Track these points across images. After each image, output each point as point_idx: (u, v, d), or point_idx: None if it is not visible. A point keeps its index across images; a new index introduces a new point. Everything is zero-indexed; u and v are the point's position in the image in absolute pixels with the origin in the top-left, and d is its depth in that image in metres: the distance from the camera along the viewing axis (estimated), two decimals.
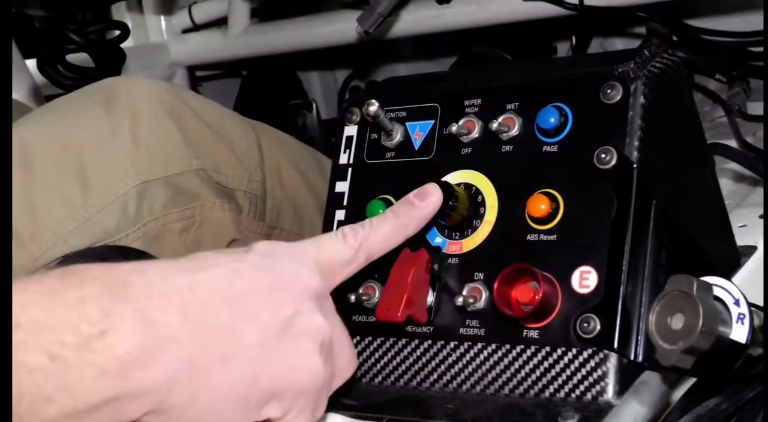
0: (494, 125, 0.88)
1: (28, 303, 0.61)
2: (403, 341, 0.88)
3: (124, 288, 0.64)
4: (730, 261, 0.96)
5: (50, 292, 0.62)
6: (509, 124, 0.88)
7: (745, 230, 1.05)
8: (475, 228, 0.87)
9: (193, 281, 0.67)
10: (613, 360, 0.79)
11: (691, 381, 0.80)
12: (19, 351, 0.59)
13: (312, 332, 0.73)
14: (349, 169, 0.96)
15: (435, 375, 0.86)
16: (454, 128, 0.90)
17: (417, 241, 0.88)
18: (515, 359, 0.82)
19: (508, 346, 0.83)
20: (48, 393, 0.60)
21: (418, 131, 0.93)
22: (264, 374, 0.70)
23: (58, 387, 0.60)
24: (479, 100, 0.91)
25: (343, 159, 0.97)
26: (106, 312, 0.62)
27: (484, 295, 0.84)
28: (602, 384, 0.78)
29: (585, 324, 0.79)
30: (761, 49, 1.46)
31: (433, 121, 0.93)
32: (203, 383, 0.67)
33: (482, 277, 0.85)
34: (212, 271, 0.69)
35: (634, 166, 0.82)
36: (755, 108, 1.46)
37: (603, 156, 0.82)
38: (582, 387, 0.79)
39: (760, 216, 1.09)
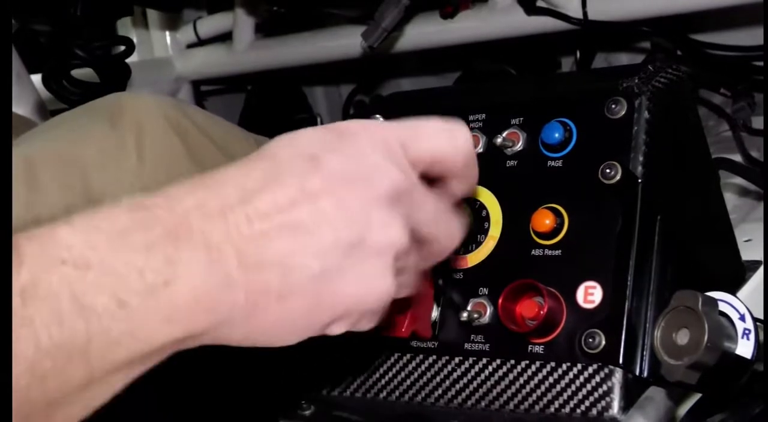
0: (498, 140, 0.88)
1: (98, 242, 0.60)
2: (408, 356, 0.88)
3: (186, 231, 0.63)
4: (735, 276, 0.95)
5: (120, 233, 0.61)
6: (513, 139, 0.88)
7: (750, 245, 1.05)
8: (479, 243, 0.87)
9: (252, 211, 0.64)
10: (618, 375, 0.78)
11: (697, 396, 0.80)
12: (89, 293, 0.59)
13: (384, 246, 0.68)
14: None
15: (440, 391, 0.86)
16: None
17: None
18: (520, 374, 0.82)
19: (512, 361, 0.83)
20: (115, 337, 0.59)
21: None
22: (325, 303, 0.67)
23: (125, 331, 0.60)
24: (483, 115, 0.91)
25: None
26: (170, 260, 0.61)
27: (489, 310, 0.84)
28: (607, 399, 0.78)
29: (590, 340, 0.79)
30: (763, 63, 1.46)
31: None
32: (261, 318, 0.65)
33: (487, 292, 0.85)
34: (273, 193, 0.65)
35: (639, 181, 0.82)
36: (760, 122, 1.45)
37: (607, 171, 0.82)
38: (587, 403, 0.79)
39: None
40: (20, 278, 0.57)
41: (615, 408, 0.78)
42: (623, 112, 0.84)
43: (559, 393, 0.80)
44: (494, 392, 0.83)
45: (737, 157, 1.33)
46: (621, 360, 0.78)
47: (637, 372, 0.78)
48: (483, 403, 0.83)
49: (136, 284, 0.60)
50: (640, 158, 0.83)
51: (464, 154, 0.74)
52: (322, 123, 1.92)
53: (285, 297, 0.65)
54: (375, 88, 2.00)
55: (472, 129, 0.91)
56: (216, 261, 0.63)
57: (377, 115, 0.91)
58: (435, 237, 0.72)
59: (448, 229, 0.73)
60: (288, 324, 0.67)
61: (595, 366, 0.79)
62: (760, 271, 0.97)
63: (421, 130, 0.72)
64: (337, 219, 0.66)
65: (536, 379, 0.81)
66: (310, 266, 0.65)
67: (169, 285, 0.61)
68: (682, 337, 0.72)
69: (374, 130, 0.70)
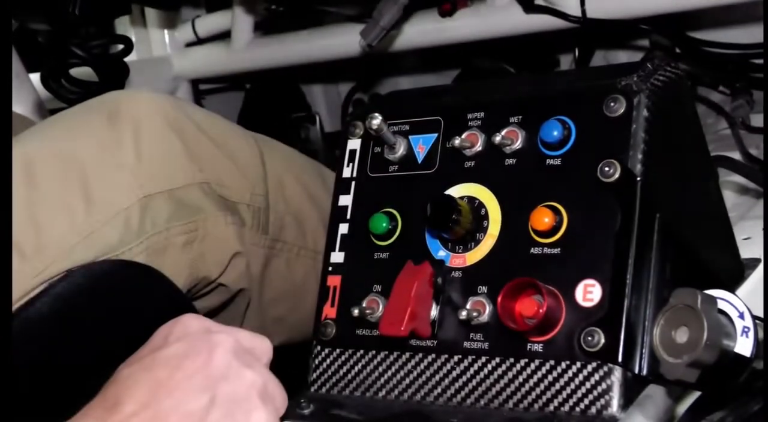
0: (497, 138, 0.88)
1: None
2: (407, 355, 0.88)
3: None
4: (734, 274, 0.95)
5: None
6: (512, 138, 0.88)
7: (750, 243, 1.05)
8: (478, 242, 0.87)
9: (122, 418, 0.75)
10: (617, 373, 0.78)
11: (696, 394, 0.80)
12: None
13: (246, 390, 0.79)
14: (353, 183, 0.96)
15: (439, 389, 0.86)
16: (457, 141, 0.90)
17: (420, 254, 0.88)
18: (519, 372, 0.82)
19: (512, 360, 0.83)
20: None
21: (421, 144, 0.93)
22: None
23: None
24: (482, 114, 0.91)
25: (347, 172, 0.97)
26: None
27: (488, 309, 0.84)
28: (607, 397, 0.78)
29: (589, 338, 0.79)
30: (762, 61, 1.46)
31: (436, 135, 0.93)
32: None
33: (486, 291, 0.85)
34: (132, 397, 0.75)
35: (638, 179, 0.82)
36: (759, 120, 1.45)
37: (606, 169, 0.82)
38: (586, 401, 0.79)
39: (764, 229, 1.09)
40: None
41: (614, 407, 0.78)
42: (622, 110, 0.84)
43: (558, 392, 0.80)
44: (493, 390, 0.83)
45: (736, 155, 1.33)
46: (620, 359, 0.78)
47: (636, 371, 0.78)
48: (482, 401, 0.83)
49: None
50: (639, 156, 0.82)
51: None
52: (320, 122, 1.91)
53: None
54: (374, 87, 2.00)
55: (470, 127, 0.91)
56: None
57: (376, 114, 0.91)
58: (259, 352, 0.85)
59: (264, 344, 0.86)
60: None
61: (594, 364, 0.79)
62: (760, 269, 0.97)
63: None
64: (198, 389, 0.77)
65: (535, 377, 0.81)
66: None
67: None
68: (681, 335, 0.72)
69: (189, 318, 0.83)
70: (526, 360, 0.82)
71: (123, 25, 1.88)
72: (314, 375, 0.93)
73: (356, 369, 0.90)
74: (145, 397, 0.75)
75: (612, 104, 0.84)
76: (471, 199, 0.89)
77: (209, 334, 0.81)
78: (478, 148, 0.90)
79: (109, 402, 0.76)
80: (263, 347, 0.86)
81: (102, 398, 0.77)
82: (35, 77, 1.57)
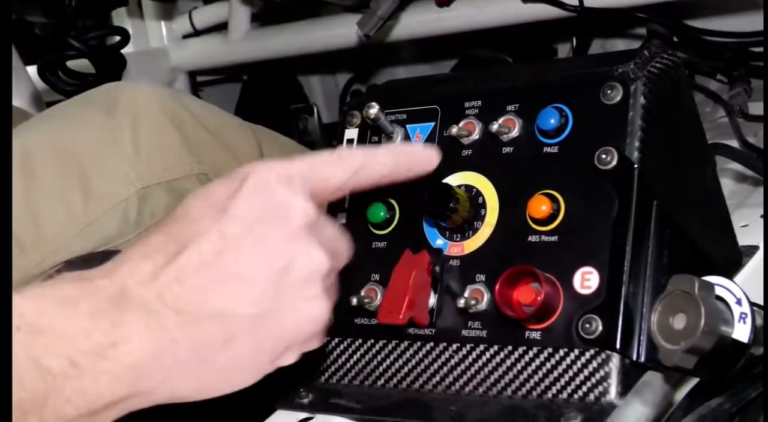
0: (494, 127, 0.88)
1: (47, 310, 0.65)
2: (405, 343, 0.88)
3: (125, 298, 0.67)
4: (732, 261, 0.95)
5: (66, 301, 0.66)
6: (509, 126, 0.88)
7: (747, 230, 1.05)
8: (476, 230, 0.87)
9: (181, 270, 0.68)
10: (615, 360, 0.78)
11: (694, 381, 0.80)
12: (44, 356, 0.63)
13: (311, 273, 0.71)
14: None
15: (437, 378, 0.86)
16: (454, 130, 0.90)
17: (418, 243, 0.88)
18: (517, 360, 0.82)
19: (510, 348, 0.83)
20: (67, 395, 0.64)
21: (419, 133, 0.94)
22: (269, 340, 0.70)
23: (76, 389, 0.64)
24: (479, 102, 0.91)
25: None
26: (115, 323, 0.65)
27: (486, 297, 0.84)
28: (605, 384, 0.78)
29: (587, 325, 0.79)
30: (762, 49, 1.46)
31: (433, 123, 0.93)
32: (210, 368, 0.69)
33: (484, 279, 0.85)
34: (198, 248, 0.68)
35: (635, 166, 0.82)
36: (756, 108, 1.45)
37: (604, 157, 0.82)
38: (585, 388, 0.79)
39: (762, 216, 1.09)
40: None
41: (612, 393, 0.78)
42: (619, 98, 0.84)
43: (557, 379, 0.80)
44: (492, 378, 0.83)
45: (734, 143, 1.33)
46: (618, 345, 0.78)
47: (634, 357, 0.78)
48: (480, 389, 0.83)
49: (85, 345, 0.64)
50: (636, 143, 0.82)
51: (354, 169, 0.77)
52: (318, 112, 1.91)
53: (229, 344, 0.69)
54: (371, 77, 2.00)
55: (468, 116, 0.91)
56: (155, 322, 0.67)
57: (373, 103, 0.91)
58: (337, 251, 0.75)
59: (343, 245, 0.76)
60: (237, 369, 0.71)
61: (592, 351, 0.79)
62: (757, 256, 0.97)
63: (316, 163, 0.76)
64: (262, 260, 0.69)
65: (533, 365, 0.81)
66: (248, 311, 0.69)
67: (116, 347, 0.65)
68: (679, 322, 0.72)
69: (273, 169, 0.73)
70: (524, 347, 0.82)
71: (120, 17, 1.88)
72: (313, 365, 0.93)
73: (355, 357, 0.90)
74: (210, 255, 0.68)
75: (609, 92, 0.84)
76: (468, 188, 0.89)
77: (290, 196, 0.72)
78: (476, 136, 0.90)
79: (172, 245, 0.69)
80: (344, 247, 0.77)
81: (166, 233, 0.70)
82: (32, 69, 1.57)
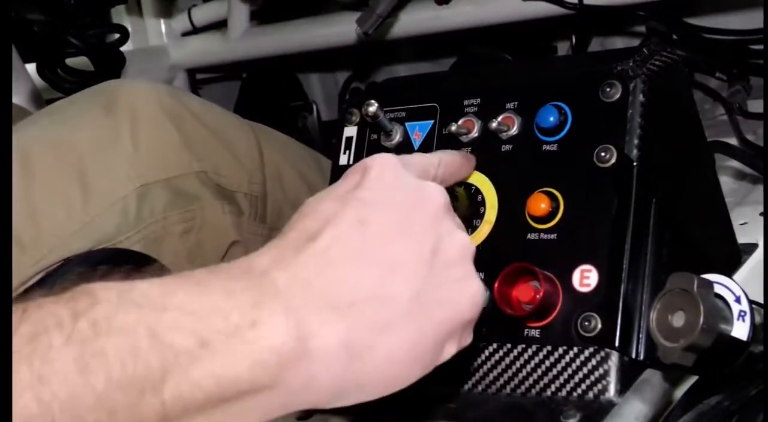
0: (494, 124, 0.88)
1: (177, 289, 0.59)
2: None
3: (269, 282, 0.62)
4: (731, 258, 0.95)
5: (198, 283, 0.60)
6: (509, 124, 0.88)
7: (746, 228, 1.05)
8: (475, 228, 0.87)
9: (327, 256, 0.64)
10: (614, 358, 0.78)
11: (693, 378, 0.80)
12: (169, 331, 0.57)
13: (460, 252, 0.68)
14: None
15: (435, 375, 0.86)
16: (453, 128, 0.90)
17: None
18: (516, 358, 0.82)
19: (509, 345, 0.83)
20: (195, 377, 0.57)
21: (418, 131, 0.93)
22: (429, 324, 0.66)
23: (206, 372, 0.57)
24: (478, 100, 0.91)
25: (343, 160, 0.97)
26: (257, 302, 0.60)
27: (485, 295, 0.84)
28: (604, 382, 0.78)
29: (586, 323, 0.79)
30: (761, 47, 1.46)
31: (432, 121, 0.93)
32: (367, 360, 0.63)
33: (483, 277, 0.85)
34: (338, 235, 0.65)
35: (634, 164, 0.82)
36: (756, 106, 1.45)
37: (603, 154, 0.82)
38: (584, 386, 0.79)
39: (761, 214, 1.09)
40: (93, 313, 0.56)
41: (611, 391, 0.78)
42: (618, 95, 0.84)
43: (556, 377, 0.80)
44: (491, 376, 0.83)
45: (733, 141, 1.33)
46: (617, 343, 0.78)
47: (634, 355, 0.78)
48: (479, 387, 0.83)
49: (221, 324, 0.58)
50: (635, 141, 0.82)
51: (436, 163, 0.79)
52: (317, 110, 1.91)
53: (387, 329, 0.64)
54: (370, 75, 2.00)
55: (467, 114, 0.91)
56: (304, 304, 0.61)
57: (372, 101, 0.91)
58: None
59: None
60: (398, 361, 0.65)
61: (591, 349, 0.79)
62: (756, 254, 0.97)
63: (410, 156, 0.76)
64: (409, 243, 0.66)
65: (533, 363, 0.81)
66: (403, 293, 0.65)
67: (257, 326, 0.59)
68: (678, 320, 0.72)
69: (391, 157, 0.71)
70: (524, 345, 0.82)
71: (119, 15, 1.88)
72: None
73: None
74: (353, 240, 0.64)
75: (608, 89, 0.84)
76: (467, 186, 0.88)
77: (420, 182, 0.70)
78: (475, 134, 0.90)
79: (308, 232, 0.64)
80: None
81: (300, 228, 0.65)
82: (31, 67, 1.57)
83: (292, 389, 0.61)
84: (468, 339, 0.70)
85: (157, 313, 0.57)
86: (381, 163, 0.70)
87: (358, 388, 0.64)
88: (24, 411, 0.52)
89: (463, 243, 0.69)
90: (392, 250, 0.65)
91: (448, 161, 0.81)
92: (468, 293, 0.69)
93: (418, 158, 0.77)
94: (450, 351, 0.69)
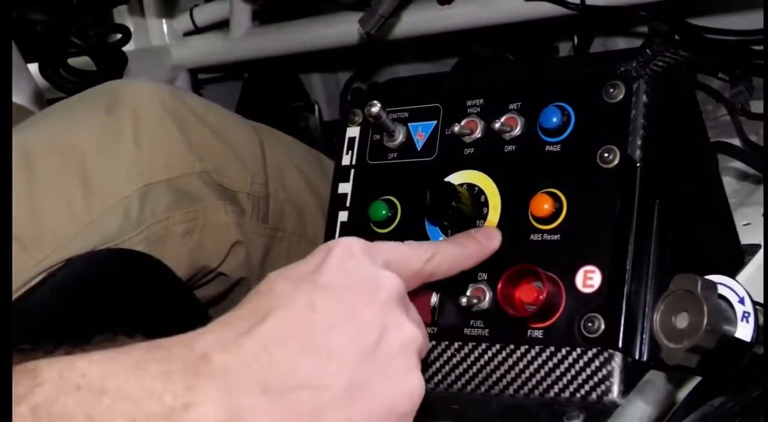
0: (497, 125, 0.88)
1: (114, 371, 0.60)
2: None
3: (206, 364, 0.63)
4: (734, 259, 0.95)
5: (136, 364, 0.61)
6: (512, 124, 0.88)
7: (749, 228, 1.05)
8: None
9: (268, 340, 0.65)
10: (617, 359, 0.78)
11: (697, 380, 0.80)
12: (106, 416, 0.58)
13: (404, 345, 0.68)
14: (352, 170, 0.96)
15: (439, 376, 0.86)
16: (456, 128, 0.90)
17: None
18: (519, 359, 0.82)
19: (512, 346, 0.83)
20: None
21: (421, 132, 0.93)
22: (360, 415, 0.66)
23: None
24: (481, 100, 0.91)
25: (346, 160, 0.97)
26: (190, 386, 0.61)
27: (488, 295, 0.84)
28: (607, 383, 0.78)
29: (589, 324, 0.79)
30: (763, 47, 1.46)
31: (435, 122, 0.93)
32: None
33: (486, 277, 0.85)
34: (285, 319, 0.66)
35: (638, 165, 0.81)
36: (759, 106, 1.45)
37: (606, 155, 0.82)
38: (587, 387, 0.79)
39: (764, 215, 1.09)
40: (35, 397, 0.57)
41: (615, 392, 0.78)
42: (621, 96, 0.84)
43: (559, 378, 0.80)
44: (493, 377, 0.83)
45: (736, 141, 1.33)
46: (620, 344, 0.78)
47: (637, 356, 0.78)
48: (482, 388, 0.83)
49: (155, 407, 0.59)
50: (639, 142, 0.82)
51: (426, 257, 0.76)
52: (319, 110, 1.91)
53: (317, 417, 0.64)
54: (372, 75, 2.00)
55: (470, 114, 0.91)
56: (237, 389, 0.62)
57: (375, 101, 0.91)
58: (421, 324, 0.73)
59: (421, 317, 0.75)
60: None
61: (594, 350, 0.79)
62: (759, 255, 0.97)
63: (393, 244, 0.75)
64: (353, 333, 0.66)
65: (536, 364, 0.81)
66: (339, 383, 0.65)
67: (189, 409, 0.60)
68: (682, 321, 0.72)
69: (357, 242, 0.71)
70: (527, 346, 0.82)
71: (121, 15, 1.88)
72: None
73: None
74: (299, 325, 0.65)
75: (611, 90, 0.84)
76: (471, 186, 0.88)
77: (378, 270, 0.70)
78: (478, 134, 0.90)
79: (258, 314, 0.65)
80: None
81: (251, 307, 0.67)
82: (33, 67, 1.57)
83: None
84: None
85: (95, 397, 0.59)
86: (344, 247, 0.70)
87: None
88: None
89: (410, 337, 0.69)
90: (335, 339, 0.66)
91: (444, 256, 0.78)
92: (406, 387, 0.68)
93: (402, 250, 0.75)
94: None
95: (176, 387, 0.61)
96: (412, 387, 0.68)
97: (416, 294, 0.84)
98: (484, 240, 0.83)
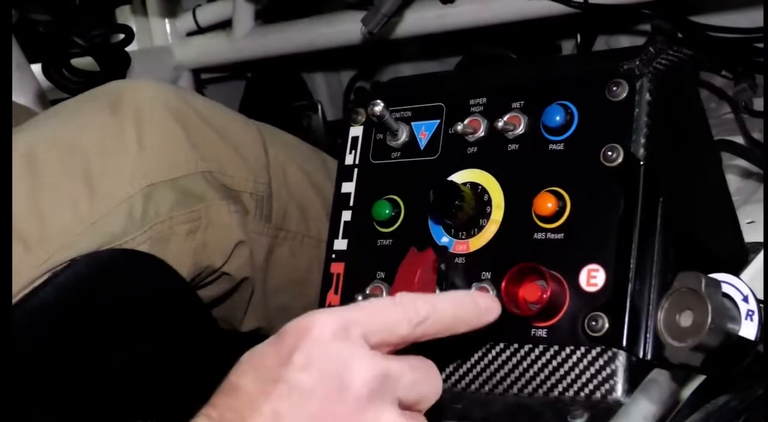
0: (500, 124, 0.88)
1: None
2: None
3: None
4: (738, 257, 0.95)
5: None
6: (515, 123, 0.88)
7: (753, 226, 1.05)
8: (481, 228, 0.87)
9: None
10: (621, 358, 0.78)
11: (701, 378, 0.80)
12: None
13: None
14: (355, 170, 0.96)
15: (443, 375, 0.86)
16: (459, 127, 0.90)
17: (423, 241, 0.88)
18: (523, 358, 0.82)
19: (516, 345, 0.83)
20: None
21: (424, 131, 0.93)
22: None
23: None
24: (484, 99, 0.91)
25: (349, 159, 0.97)
26: None
27: (492, 295, 0.84)
28: (611, 382, 0.78)
29: (593, 323, 0.79)
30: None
31: (438, 121, 0.93)
32: None
33: (489, 277, 0.85)
34: None
35: (641, 163, 0.81)
36: (762, 104, 1.45)
37: (609, 154, 0.82)
38: (591, 386, 0.79)
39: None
40: None
41: (619, 391, 0.78)
42: (624, 94, 0.84)
43: (563, 377, 0.80)
44: (497, 376, 0.83)
45: (739, 139, 1.33)
46: (624, 343, 0.78)
47: (641, 355, 0.78)
48: (486, 387, 0.83)
49: None
50: (642, 140, 0.82)
51: (417, 321, 0.71)
52: (322, 110, 1.91)
53: None
54: (375, 74, 2.00)
55: (473, 113, 0.91)
56: None
57: (378, 100, 0.91)
58: (422, 395, 0.71)
59: (430, 381, 0.72)
60: None
61: (598, 349, 0.79)
62: (763, 253, 0.97)
63: (377, 311, 0.71)
64: None
65: (540, 363, 0.81)
66: None
67: None
68: (686, 319, 0.72)
69: (329, 323, 0.68)
70: (530, 345, 0.82)
71: (124, 15, 1.88)
72: None
73: None
74: None
75: (614, 88, 0.84)
76: (474, 185, 0.88)
77: (348, 355, 0.67)
78: (481, 133, 0.90)
79: (228, 416, 0.66)
80: (429, 387, 0.71)
81: (223, 407, 0.67)
82: (37, 67, 1.57)
83: None
84: None
85: None
86: (311, 336, 0.68)
87: None
88: None
89: None
90: None
91: (439, 319, 0.72)
92: None
93: (387, 315, 0.70)
94: None
95: None
96: None
97: (420, 293, 0.84)
98: (483, 305, 0.76)
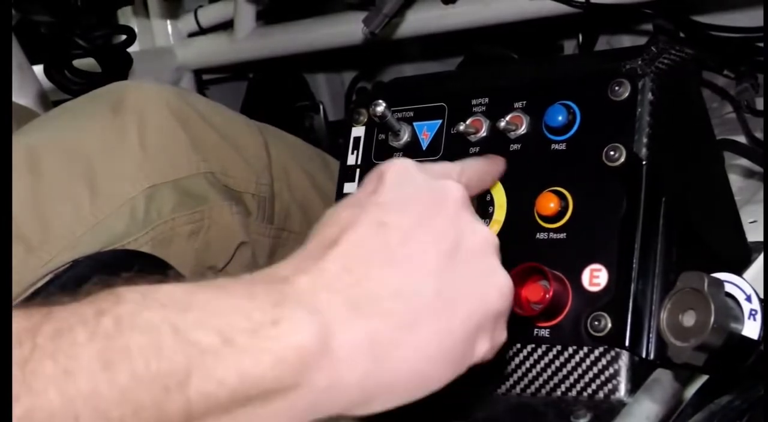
0: (502, 124, 0.88)
1: (199, 292, 0.60)
2: None
3: (290, 286, 0.62)
4: (740, 257, 0.95)
5: (221, 286, 0.61)
6: (517, 123, 0.88)
7: (756, 226, 1.05)
8: None
9: (346, 260, 0.64)
10: (624, 358, 0.78)
11: (704, 378, 0.80)
12: (192, 329, 0.57)
13: (481, 245, 0.68)
14: (357, 170, 0.96)
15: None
16: (461, 127, 0.90)
17: None
18: (526, 358, 0.82)
19: (518, 345, 0.83)
20: (220, 375, 0.57)
21: (426, 131, 0.93)
22: (456, 319, 0.65)
23: (230, 370, 0.57)
24: (486, 99, 0.91)
25: (351, 160, 0.97)
26: (278, 302, 0.60)
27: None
28: (614, 382, 0.78)
29: (596, 323, 0.79)
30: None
31: (440, 121, 0.93)
32: (396, 358, 0.62)
33: None
34: (357, 239, 0.65)
35: (643, 163, 0.81)
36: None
37: (612, 153, 0.82)
38: (594, 386, 0.79)
39: None
40: (118, 309, 0.56)
41: (622, 391, 0.78)
42: (627, 94, 0.83)
43: (566, 377, 0.80)
44: (500, 376, 0.83)
45: (741, 139, 1.32)
46: (627, 343, 0.78)
47: (644, 355, 0.78)
48: (489, 387, 0.83)
49: (244, 323, 0.58)
50: (645, 140, 0.82)
51: (457, 170, 0.76)
52: (324, 110, 1.91)
53: (413, 326, 0.63)
54: (377, 75, 2.00)
55: (475, 113, 0.91)
56: (325, 307, 0.61)
57: (380, 100, 0.91)
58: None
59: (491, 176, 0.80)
60: (428, 357, 0.64)
61: (601, 349, 0.79)
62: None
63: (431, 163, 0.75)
64: (429, 240, 0.66)
65: (542, 363, 0.81)
66: (426, 289, 0.64)
67: (278, 325, 0.59)
68: (689, 319, 0.72)
69: (409, 161, 0.71)
70: (533, 345, 0.82)
71: (125, 16, 1.88)
72: None
73: None
74: (373, 241, 0.65)
75: (617, 88, 0.84)
76: None
77: (436, 180, 0.70)
78: (483, 133, 0.90)
79: (328, 240, 0.65)
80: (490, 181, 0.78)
81: (319, 237, 0.65)
82: (39, 69, 1.57)
83: (316, 389, 0.60)
84: (501, 335, 0.69)
85: (181, 312, 0.57)
86: (396, 166, 0.70)
87: (386, 390, 0.63)
88: (47, 404, 0.52)
89: (484, 237, 0.68)
90: (413, 248, 0.65)
91: (471, 170, 0.77)
92: (494, 285, 0.68)
93: (437, 165, 0.75)
94: (482, 348, 0.67)
95: (264, 304, 0.60)
96: (500, 284, 0.68)
97: None
98: (493, 158, 0.81)
